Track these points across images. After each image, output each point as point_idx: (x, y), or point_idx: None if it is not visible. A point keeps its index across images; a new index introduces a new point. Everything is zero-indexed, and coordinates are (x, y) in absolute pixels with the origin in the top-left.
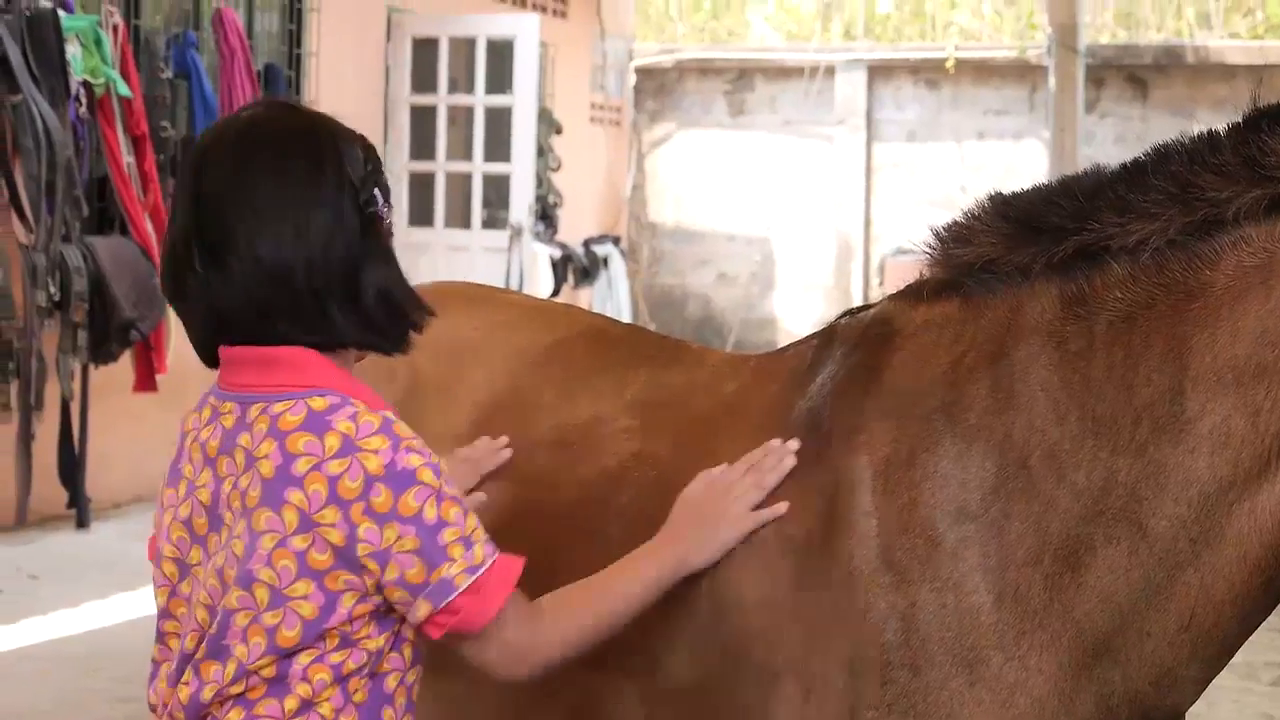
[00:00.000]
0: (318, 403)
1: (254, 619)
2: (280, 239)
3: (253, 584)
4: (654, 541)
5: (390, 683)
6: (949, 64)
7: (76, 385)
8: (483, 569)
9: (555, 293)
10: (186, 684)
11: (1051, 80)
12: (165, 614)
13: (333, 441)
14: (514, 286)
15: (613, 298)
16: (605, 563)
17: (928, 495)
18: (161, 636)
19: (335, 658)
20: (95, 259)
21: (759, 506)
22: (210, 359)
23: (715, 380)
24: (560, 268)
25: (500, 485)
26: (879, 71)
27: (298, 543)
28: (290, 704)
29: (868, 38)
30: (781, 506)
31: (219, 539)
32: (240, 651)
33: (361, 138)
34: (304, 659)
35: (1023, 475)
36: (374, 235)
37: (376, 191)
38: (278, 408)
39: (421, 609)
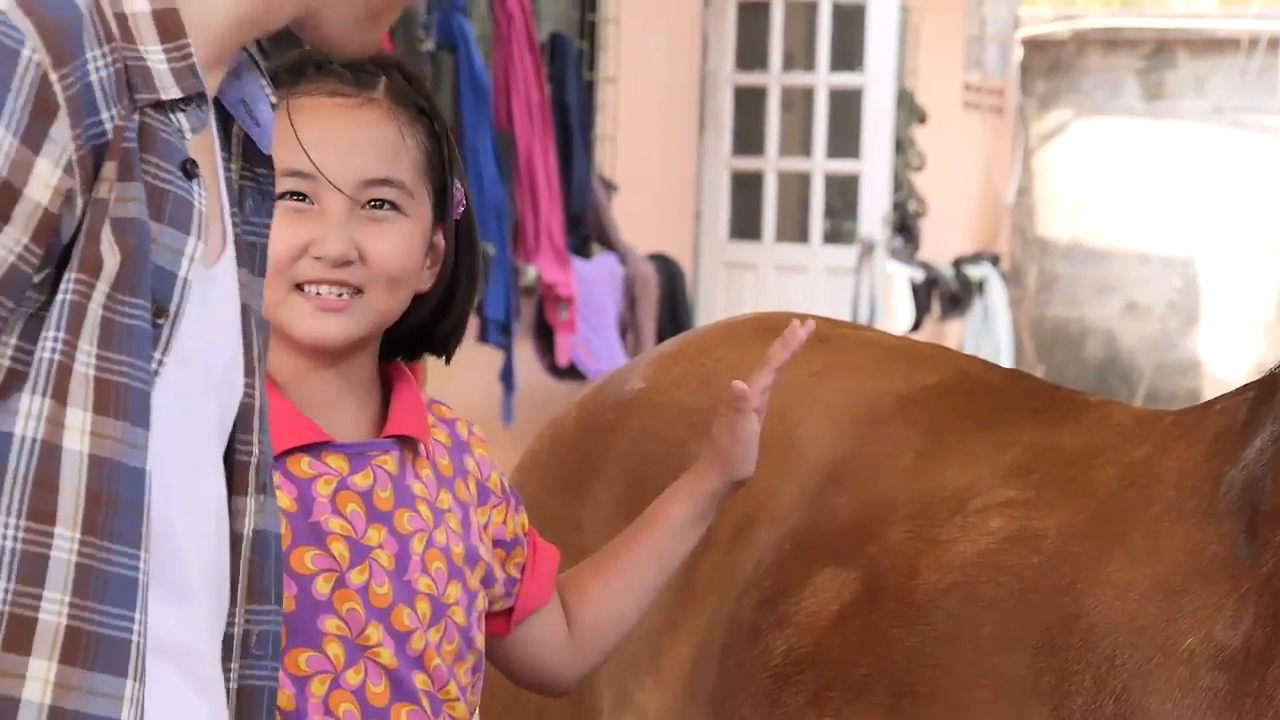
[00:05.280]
0: None
1: None
2: None
3: None
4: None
5: None
6: None
7: None
8: None
9: (916, 326)
10: None
11: None
12: None
13: None
14: (863, 318)
15: (989, 333)
16: (974, 672)
17: None
18: None
19: None
20: None
21: None
22: None
23: (1121, 443)
24: (923, 294)
25: (844, 570)
26: None
27: None
28: None
29: None
30: None
31: None
32: None
33: None
34: None
35: None
36: None
37: None
38: None
39: None
